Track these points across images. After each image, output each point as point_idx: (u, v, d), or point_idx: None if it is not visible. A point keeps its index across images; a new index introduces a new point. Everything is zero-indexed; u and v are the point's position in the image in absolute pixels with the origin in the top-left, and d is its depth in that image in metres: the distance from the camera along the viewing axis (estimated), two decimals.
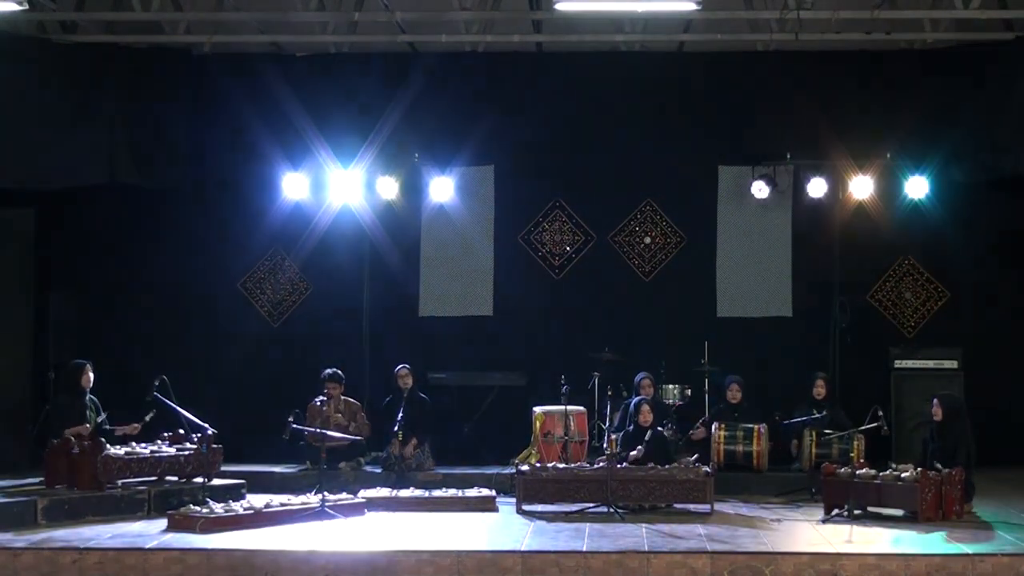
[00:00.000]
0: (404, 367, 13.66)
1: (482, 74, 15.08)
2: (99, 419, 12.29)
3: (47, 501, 11.06)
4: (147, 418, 12.16)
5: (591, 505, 11.62)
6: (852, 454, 12.52)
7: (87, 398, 12.29)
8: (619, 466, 11.79)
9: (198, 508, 10.99)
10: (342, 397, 13.64)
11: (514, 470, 12.14)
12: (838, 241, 14.63)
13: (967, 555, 9.58)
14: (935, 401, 11.67)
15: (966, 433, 11.54)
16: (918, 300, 14.99)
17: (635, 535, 10.39)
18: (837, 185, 14.41)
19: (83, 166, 13.97)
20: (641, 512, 11.58)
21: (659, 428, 12.72)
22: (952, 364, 14.27)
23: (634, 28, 14.60)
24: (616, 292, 15.05)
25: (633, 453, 12.30)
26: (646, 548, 9.83)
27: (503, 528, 10.87)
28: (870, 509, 11.28)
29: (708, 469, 11.80)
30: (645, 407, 12.52)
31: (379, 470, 13.26)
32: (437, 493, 12.17)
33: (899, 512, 11.18)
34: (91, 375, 12.32)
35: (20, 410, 14.34)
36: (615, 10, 13.83)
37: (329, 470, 12.25)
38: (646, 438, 12.43)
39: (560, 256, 15.16)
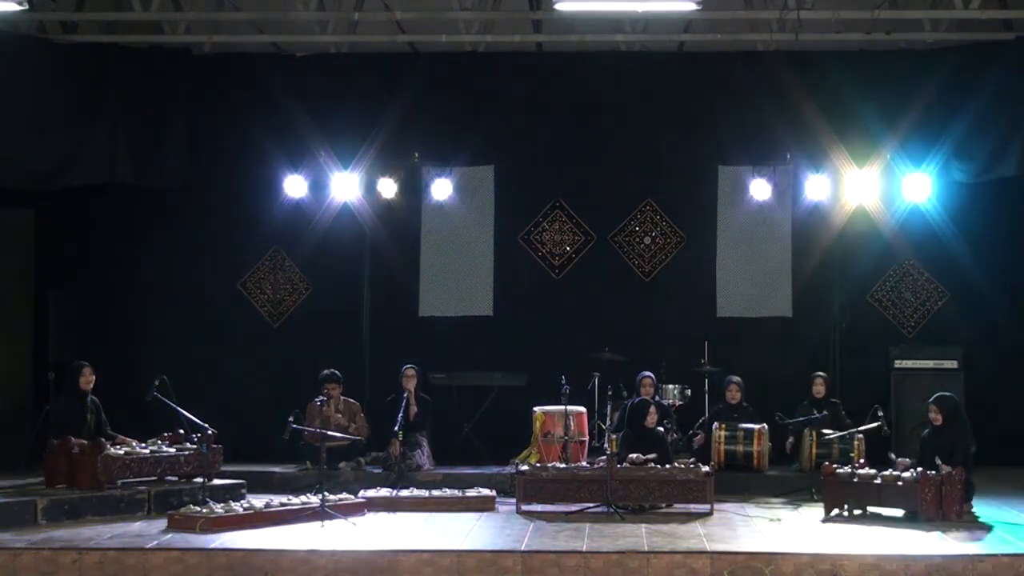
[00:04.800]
0: (411, 367, 13.67)
1: (482, 74, 15.07)
2: (100, 420, 12.32)
3: (47, 501, 11.07)
4: (147, 399, 12.15)
5: (591, 505, 11.62)
6: (852, 454, 12.52)
7: (88, 400, 12.29)
8: (619, 466, 11.79)
9: (198, 508, 10.99)
10: (342, 397, 13.65)
11: (514, 470, 12.14)
12: (838, 241, 14.63)
13: (967, 555, 9.58)
14: (932, 406, 11.60)
15: (965, 432, 11.53)
16: (918, 300, 14.98)
17: (635, 535, 10.39)
18: (837, 185, 14.41)
19: (83, 166, 13.96)
20: (641, 512, 11.58)
21: (659, 428, 12.72)
22: (952, 364, 14.24)
23: (634, 28, 14.61)
24: (616, 292, 15.04)
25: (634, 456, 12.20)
26: (646, 548, 9.83)
27: (503, 528, 10.86)
28: (870, 509, 11.28)
29: (708, 469, 11.80)
30: (652, 408, 12.48)
31: (379, 470, 13.25)
32: (437, 493, 12.17)
33: (899, 512, 11.17)
34: (91, 377, 12.30)
35: (20, 410, 14.34)
36: (615, 10, 13.82)
37: (329, 470, 12.25)
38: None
39: (560, 256, 15.16)
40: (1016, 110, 13.67)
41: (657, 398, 13.58)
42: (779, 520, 11.28)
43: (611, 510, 11.44)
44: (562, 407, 13.17)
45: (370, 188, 14.53)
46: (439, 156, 14.76)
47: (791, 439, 13.26)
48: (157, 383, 12.12)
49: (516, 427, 13.98)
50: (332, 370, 13.64)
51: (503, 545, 9.99)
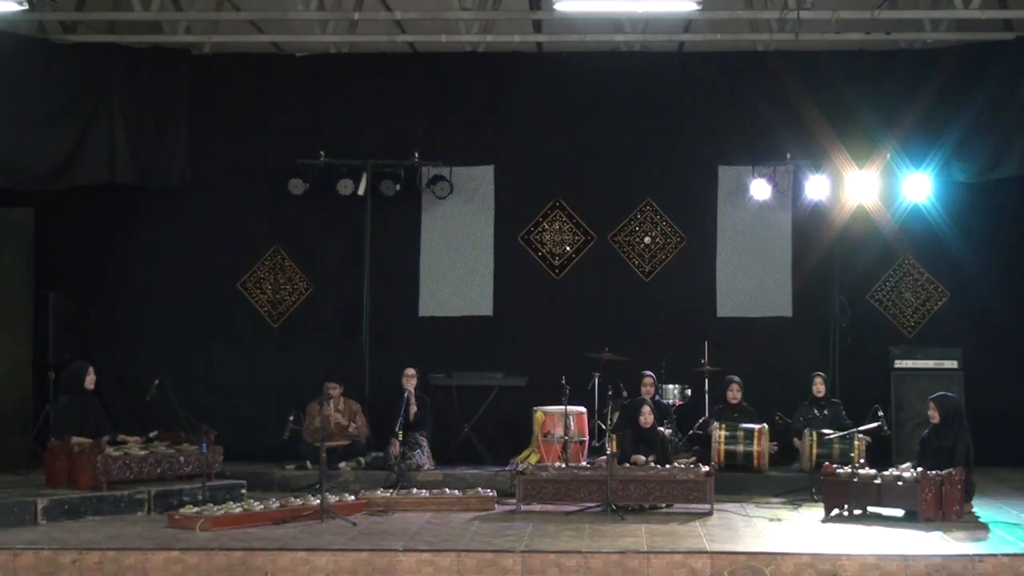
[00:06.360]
0: (411, 368, 13.68)
1: (482, 74, 15.07)
2: (102, 420, 12.33)
3: (47, 501, 11.06)
4: (147, 399, 12.15)
5: (591, 505, 11.62)
6: (852, 454, 12.52)
7: (90, 399, 12.30)
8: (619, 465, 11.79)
9: (198, 508, 10.99)
10: (341, 397, 13.66)
11: (514, 470, 12.14)
12: (838, 241, 14.62)
13: (967, 555, 9.58)
14: (931, 403, 11.64)
15: (964, 432, 11.53)
16: (918, 300, 14.98)
17: (635, 535, 10.39)
18: (837, 185, 14.40)
19: (83, 166, 13.97)
20: (641, 512, 11.59)
21: (659, 428, 12.72)
22: (952, 364, 14.23)
23: (634, 28, 14.61)
24: (616, 292, 15.04)
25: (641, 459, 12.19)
26: (646, 548, 9.83)
27: (503, 528, 10.86)
28: (870, 509, 11.28)
29: (708, 469, 11.80)
30: (646, 408, 12.49)
31: (379, 470, 13.25)
32: (437, 493, 12.17)
33: (899, 512, 11.18)
34: (94, 376, 12.36)
35: (20, 410, 14.34)
36: (615, 10, 13.82)
37: (329, 470, 12.25)
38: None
39: (560, 256, 15.15)
40: (1016, 110, 13.67)
41: (657, 398, 13.59)
42: (779, 520, 11.28)
43: (611, 510, 11.43)
44: (562, 407, 13.17)
45: (370, 188, 14.53)
46: (439, 156, 14.76)
47: (796, 439, 13.27)
48: (157, 383, 12.12)
49: (516, 427, 13.99)
50: (333, 370, 13.65)
51: (503, 545, 9.98)
